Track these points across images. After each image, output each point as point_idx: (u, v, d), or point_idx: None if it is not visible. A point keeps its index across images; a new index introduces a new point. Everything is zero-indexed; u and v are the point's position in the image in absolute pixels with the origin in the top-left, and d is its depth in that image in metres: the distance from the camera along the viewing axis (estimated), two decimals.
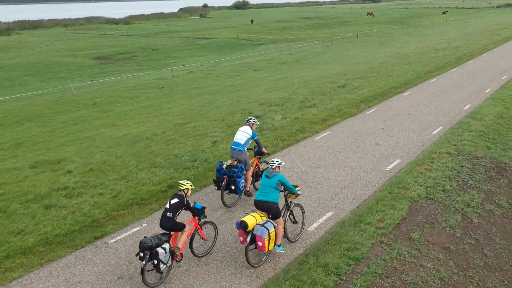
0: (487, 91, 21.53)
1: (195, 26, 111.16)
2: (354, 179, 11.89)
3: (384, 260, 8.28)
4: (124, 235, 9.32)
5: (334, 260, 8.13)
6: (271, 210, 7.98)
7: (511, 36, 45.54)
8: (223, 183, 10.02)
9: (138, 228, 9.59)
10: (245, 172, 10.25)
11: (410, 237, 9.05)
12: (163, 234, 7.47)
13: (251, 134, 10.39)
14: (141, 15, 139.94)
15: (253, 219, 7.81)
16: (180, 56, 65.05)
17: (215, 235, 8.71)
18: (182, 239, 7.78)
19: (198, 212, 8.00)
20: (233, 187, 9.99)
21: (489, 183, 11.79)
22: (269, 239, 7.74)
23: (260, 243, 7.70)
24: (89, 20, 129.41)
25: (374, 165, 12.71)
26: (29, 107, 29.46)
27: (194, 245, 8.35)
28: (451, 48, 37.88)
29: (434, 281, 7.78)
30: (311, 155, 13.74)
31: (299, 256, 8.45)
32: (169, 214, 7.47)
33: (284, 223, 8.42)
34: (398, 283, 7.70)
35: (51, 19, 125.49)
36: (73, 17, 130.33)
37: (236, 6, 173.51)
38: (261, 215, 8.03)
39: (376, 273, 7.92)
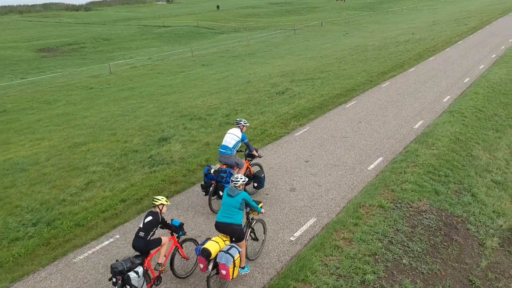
0: (445, 99, 18.21)
1: (157, 12, 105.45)
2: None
3: None
4: None
5: None
6: (234, 233, 7.32)
7: (478, 26, 42.58)
8: (211, 188, 9.50)
9: None
10: (238, 170, 9.91)
11: None
12: (136, 256, 6.85)
13: (240, 137, 9.89)
14: (103, 1, 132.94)
15: (216, 245, 7.06)
16: (131, 47, 60.17)
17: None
18: (162, 253, 7.21)
19: (176, 230, 7.37)
20: (221, 193, 9.38)
21: (431, 258, 8.39)
22: (234, 266, 7.03)
23: (224, 272, 6.97)
24: (47, 6, 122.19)
25: (275, 237, 9.00)
26: None
27: (175, 265, 7.53)
28: (414, 40, 34.60)
29: None
30: (200, 208, 10.05)
31: None
32: (142, 234, 6.91)
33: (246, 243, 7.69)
34: None
35: (5, 6, 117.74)
36: (30, 3, 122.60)
37: None
38: (224, 239, 7.35)
39: None
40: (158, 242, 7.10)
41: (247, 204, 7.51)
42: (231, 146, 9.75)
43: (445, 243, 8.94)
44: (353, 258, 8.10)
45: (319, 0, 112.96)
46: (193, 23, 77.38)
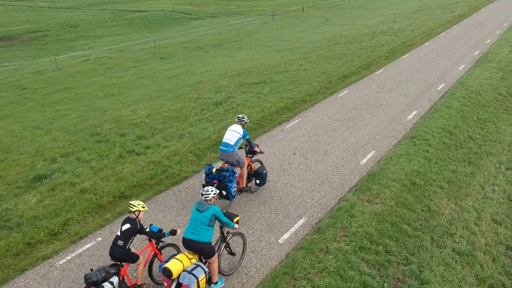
0: (410, 116, 14.83)
1: None
2: None
3: None
4: None
5: None
6: (202, 252, 6.66)
7: (464, 14, 38.80)
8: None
9: None
10: (240, 170, 9.56)
11: None
12: (112, 265, 6.51)
13: (242, 133, 9.42)
14: None
15: (179, 264, 6.38)
16: (97, 35, 55.93)
17: None
18: (139, 272, 6.83)
19: (154, 235, 6.89)
20: (224, 192, 8.93)
21: None
22: (199, 287, 6.33)
23: None
24: None
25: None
26: None
27: (153, 272, 7.16)
28: (392, 32, 30.96)
29: None
30: None
31: None
32: (120, 243, 6.56)
33: (219, 258, 7.06)
34: None
35: None
36: None
37: None
38: (190, 256, 6.61)
39: None
40: (134, 258, 6.75)
41: (218, 220, 6.85)
42: (232, 143, 9.28)
43: None
44: None
45: None
46: (169, 8, 72.81)
